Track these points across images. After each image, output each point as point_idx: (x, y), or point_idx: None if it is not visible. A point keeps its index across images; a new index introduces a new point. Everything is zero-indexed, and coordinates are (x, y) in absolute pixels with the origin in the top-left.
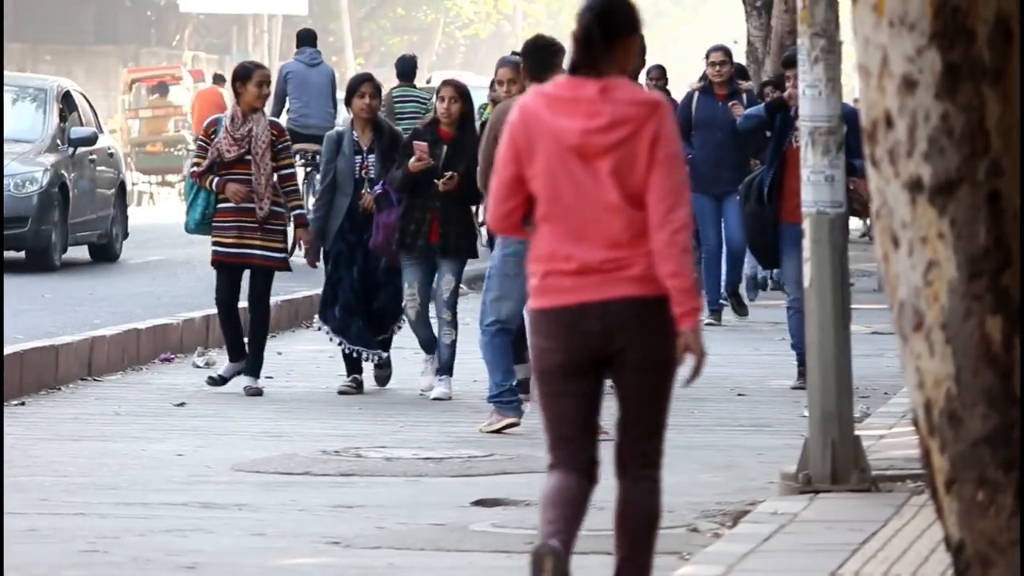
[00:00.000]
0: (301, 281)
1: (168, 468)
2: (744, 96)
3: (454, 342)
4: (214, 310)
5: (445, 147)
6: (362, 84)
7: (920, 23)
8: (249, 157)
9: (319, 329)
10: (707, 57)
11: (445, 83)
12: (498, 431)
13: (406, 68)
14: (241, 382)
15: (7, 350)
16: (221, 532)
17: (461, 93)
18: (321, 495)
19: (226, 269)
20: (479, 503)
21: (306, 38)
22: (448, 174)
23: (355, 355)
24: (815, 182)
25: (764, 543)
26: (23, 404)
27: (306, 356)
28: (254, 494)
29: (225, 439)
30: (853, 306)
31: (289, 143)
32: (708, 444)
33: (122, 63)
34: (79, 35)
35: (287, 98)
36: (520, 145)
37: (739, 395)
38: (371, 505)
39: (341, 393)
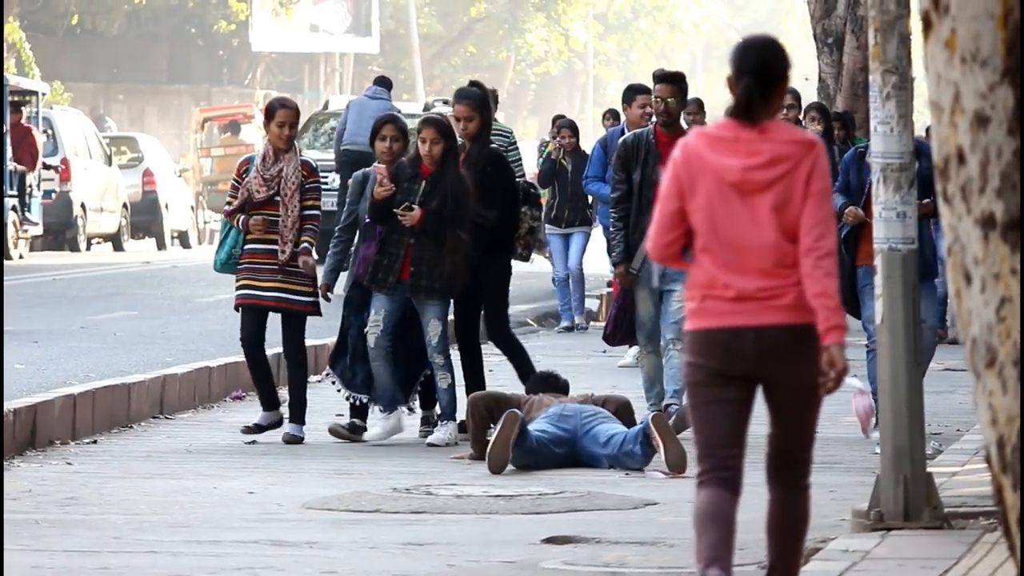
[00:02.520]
0: None
1: (239, 506)
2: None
3: (451, 386)
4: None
5: (424, 182)
6: (384, 126)
7: (992, 59)
8: (279, 198)
9: (326, 374)
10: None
11: (426, 123)
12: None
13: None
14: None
15: (80, 389)
16: (292, 570)
17: (443, 133)
18: (392, 533)
19: (249, 311)
20: (550, 540)
21: (381, 80)
22: (405, 205)
23: (358, 403)
24: (887, 218)
25: None
26: (95, 442)
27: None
28: (325, 532)
29: (296, 477)
30: None
31: (319, 184)
32: None
33: (194, 102)
34: (152, 74)
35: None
36: (683, 181)
37: None
38: (442, 543)
39: (331, 432)
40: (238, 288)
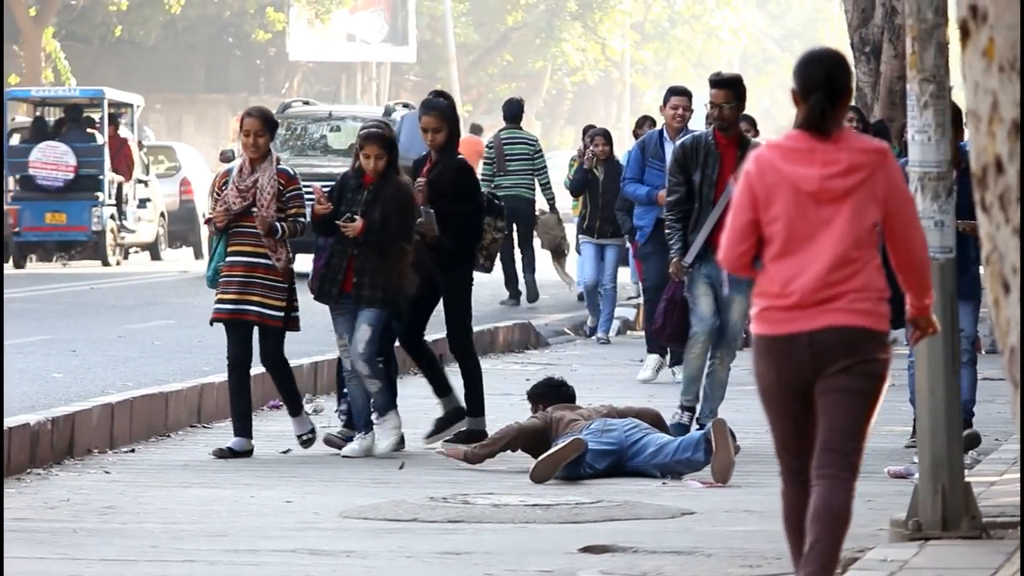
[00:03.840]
0: None
1: (277, 515)
2: None
3: (383, 388)
4: (322, 357)
5: (365, 193)
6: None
7: None
8: (255, 210)
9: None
10: None
11: (369, 139)
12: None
13: (513, 111)
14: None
15: (118, 398)
16: None
17: (386, 147)
18: (429, 542)
19: (230, 328)
20: (587, 550)
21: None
22: (347, 216)
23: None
24: (925, 227)
25: None
26: (133, 451)
27: (414, 403)
28: (362, 541)
29: (333, 486)
30: None
31: (299, 191)
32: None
33: (231, 111)
34: (189, 84)
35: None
36: (757, 192)
37: None
38: (479, 552)
39: (326, 441)
40: (216, 302)
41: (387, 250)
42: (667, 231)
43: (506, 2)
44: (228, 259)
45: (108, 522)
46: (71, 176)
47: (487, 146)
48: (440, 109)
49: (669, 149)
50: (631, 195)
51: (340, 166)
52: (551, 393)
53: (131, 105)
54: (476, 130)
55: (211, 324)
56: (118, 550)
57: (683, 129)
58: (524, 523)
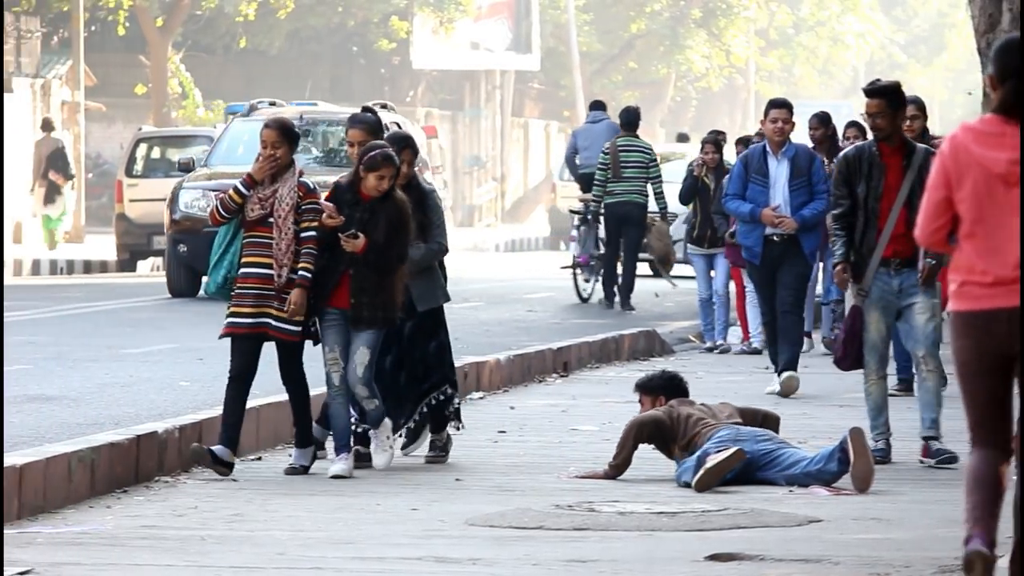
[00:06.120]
0: (532, 336)
1: (403, 522)
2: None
3: (378, 407)
4: None
5: (361, 209)
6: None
7: None
8: (272, 220)
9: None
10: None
11: (388, 161)
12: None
13: (630, 119)
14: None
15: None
16: None
17: (395, 167)
18: (555, 550)
19: (240, 342)
20: (713, 558)
21: (596, 104)
22: (351, 232)
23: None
24: None
25: None
26: (260, 459)
27: (538, 411)
28: (488, 548)
29: (458, 493)
30: None
31: (316, 206)
32: (946, 499)
33: None
34: (314, 93)
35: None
36: (950, 172)
37: None
38: (605, 560)
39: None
40: (230, 316)
41: (386, 270)
42: (832, 239)
43: (630, 9)
44: (242, 271)
45: (236, 529)
46: None
47: (603, 153)
48: (366, 123)
49: (773, 165)
50: (733, 212)
51: (311, 170)
52: (670, 386)
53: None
54: (683, 139)
55: (220, 338)
56: (246, 557)
57: (785, 142)
58: (650, 531)
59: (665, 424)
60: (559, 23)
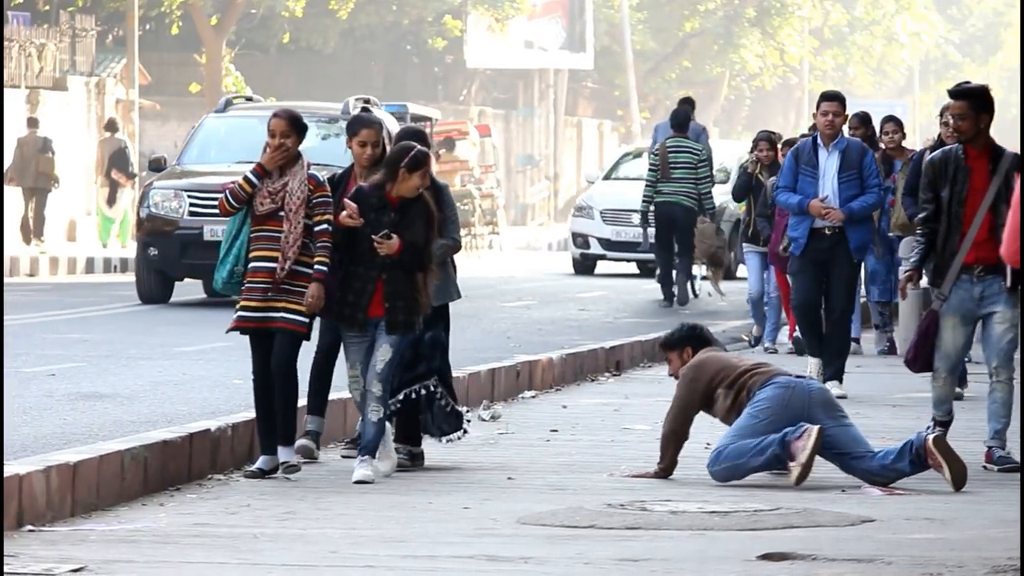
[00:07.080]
0: (585, 335)
1: (455, 521)
2: None
3: (382, 420)
4: (498, 363)
5: (392, 213)
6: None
7: None
8: (282, 213)
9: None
10: (940, 115)
11: (426, 159)
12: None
13: (679, 120)
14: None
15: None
16: None
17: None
18: (607, 549)
19: (254, 338)
20: (766, 557)
21: (685, 100)
22: (384, 233)
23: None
24: None
25: None
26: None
27: (591, 409)
28: (540, 547)
29: (510, 492)
30: None
31: (328, 197)
32: (999, 499)
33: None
34: (368, 92)
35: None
36: None
37: None
38: (657, 559)
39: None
40: (239, 309)
41: (422, 270)
42: (913, 245)
43: (684, 8)
44: (251, 265)
45: (288, 527)
46: None
47: (652, 153)
48: (377, 123)
49: (823, 156)
50: (783, 204)
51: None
52: (693, 336)
53: (430, 119)
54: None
55: (227, 332)
56: (298, 555)
57: (836, 135)
58: (702, 530)
59: (694, 407)
60: (613, 22)
